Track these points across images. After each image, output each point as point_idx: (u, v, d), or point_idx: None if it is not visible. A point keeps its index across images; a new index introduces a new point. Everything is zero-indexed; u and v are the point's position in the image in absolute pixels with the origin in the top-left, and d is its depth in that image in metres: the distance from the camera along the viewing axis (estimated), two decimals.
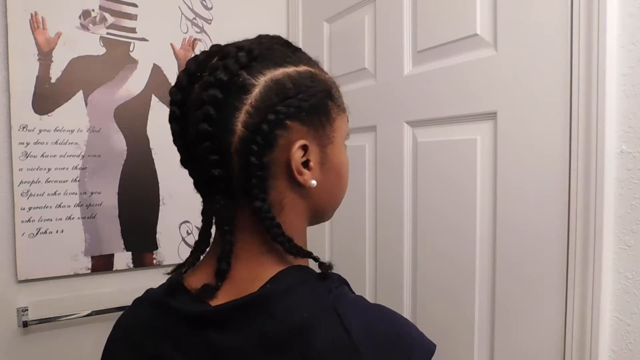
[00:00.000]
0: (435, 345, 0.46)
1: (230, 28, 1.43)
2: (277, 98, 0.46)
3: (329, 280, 0.49)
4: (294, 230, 0.50)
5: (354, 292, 0.51)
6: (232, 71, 0.45)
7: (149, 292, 0.54)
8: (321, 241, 1.41)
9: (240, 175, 0.46)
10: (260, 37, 0.51)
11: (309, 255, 0.51)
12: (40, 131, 1.13)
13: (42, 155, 1.14)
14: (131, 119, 1.26)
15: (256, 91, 0.45)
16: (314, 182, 0.49)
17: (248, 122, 0.45)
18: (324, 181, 0.52)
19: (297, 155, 0.47)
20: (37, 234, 1.13)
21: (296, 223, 0.52)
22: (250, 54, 0.47)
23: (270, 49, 0.49)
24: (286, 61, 0.48)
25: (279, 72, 0.47)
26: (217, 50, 0.50)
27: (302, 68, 0.50)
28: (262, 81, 0.46)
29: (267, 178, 0.47)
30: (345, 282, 0.51)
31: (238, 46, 0.47)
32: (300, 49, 0.54)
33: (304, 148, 0.48)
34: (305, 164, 0.49)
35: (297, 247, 0.49)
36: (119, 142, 1.24)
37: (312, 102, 0.48)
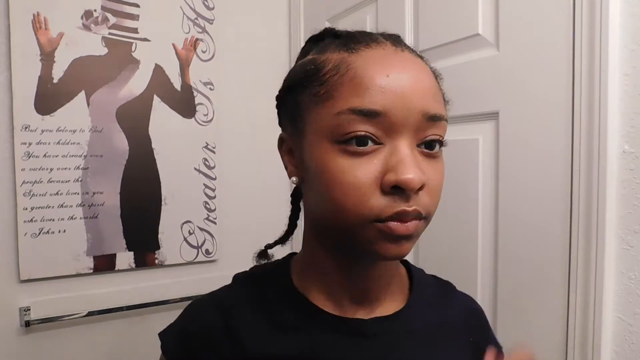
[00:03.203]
0: (163, 336, 0.56)
1: (232, 28, 1.43)
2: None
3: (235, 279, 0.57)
4: (311, 222, 0.51)
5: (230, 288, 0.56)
6: None
7: None
8: None
9: None
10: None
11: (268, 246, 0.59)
12: (42, 131, 1.13)
13: (45, 156, 1.14)
14: (133, 119, 1.26)
15: None
16: (293, 179, 0.48)
17: None
18: (308, 181, 0.46)
19: (280, 146, 0.50)
20: (39, 234, 1.14)
21: (311, 216, 0.51)
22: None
23: (305, 44, 0.52)
24: (301, 54, 0.51)
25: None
26: None
27: (304, 59, 0.48)
28: None
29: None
30: (232, 280, 0.57)
31: None
32: (337, 38, 0.47)
33: (283, 140, 0.50)
34: (293, 155, 0.49)
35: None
36: (121, 142, 1.24)
37: (282, 90, 0.49)
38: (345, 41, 0.44)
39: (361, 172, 0.40)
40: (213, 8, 1.38)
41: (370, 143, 0.40)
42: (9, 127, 1.11)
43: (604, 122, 0.71)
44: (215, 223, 1.40)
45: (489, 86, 0.90)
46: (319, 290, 0.49)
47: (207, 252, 1.38)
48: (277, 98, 0.50)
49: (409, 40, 1.10)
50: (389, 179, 0.39)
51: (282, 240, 0.57)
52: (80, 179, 1.19)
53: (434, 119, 0.41)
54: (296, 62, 0.51)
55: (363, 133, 0.39)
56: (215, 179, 1.39)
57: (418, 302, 0.52)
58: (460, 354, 0.52)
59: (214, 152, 1.39)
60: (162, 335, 0.56)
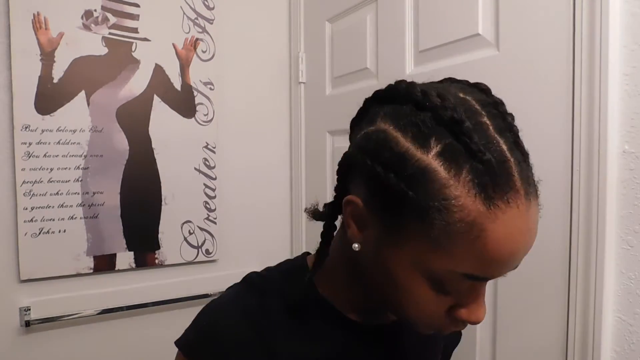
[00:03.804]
0: (185, 345, 0.51)
1: (232, 28, 1.43)
2: (367, 144, 0.43)
3: (242, 281, 0.56)
4: (355, 267, 0.49)
5: (238, 290, 0.54)
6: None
7: None
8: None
9: None
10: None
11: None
12: (42, 131, 1.13)
13: (45, 155, 1.14)
14: (133, 119, 1.26)
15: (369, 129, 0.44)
16: (355, 246, 0.44)
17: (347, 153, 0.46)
18: (372, 264, 0.45)
19: (346, 206, 0.44)
20: (39, 233, 1.14)
21: (340, 268, 0.51)
22: None
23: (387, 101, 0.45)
24: (375, 119, 0.44)
25: (380, 126, 0.42)
26: None
27: (420, 164, 0.39)
28: (373, 126, 0.44)
29: (340, 210, 0.47)
30: (244, 282, 0.55)
31: None
32: (467, 150, 0.38)
33: (354, 206, 0.44)
34: (363, 225, 0.44)
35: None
36: (121, 142, 1.24)
37: (381, 177, 0.40)
38: (481, 177, 0.37)
39: (438, 306, 0.42)
40: (213, 8, 1.38)
41: None
42: (9, 127, 1.11)
43: (604, 122, 0.71)
44: (215, 223, 1.40)
45: (489, 86, 0.90)
46: (344, 300, 0.52)
47: (207, 252, 1.38)
48: (359, 163, 0.43)
49: (408, 40, 1.10)
50: (461, 315, 0.42)
51: (318, 267, 0.52)
52: (80, 179, 1.19)
53: None
54: (368, 127, 0.43)
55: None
56: (215, 179, 1.39)
57: None
58: (441, 346, 0.62)
59: (214, 152, 1.39)
60: (182, 341, 0.52)
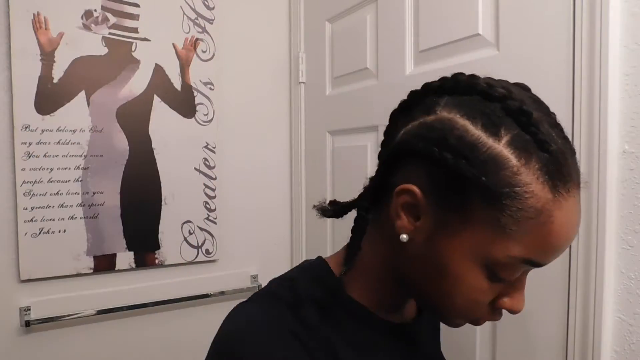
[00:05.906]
0: (229, 335, 0.45)
1: (232, 28, 1.43)
2: (429, 133, 0.43)
3: (262, 294, 0.51)
4: (393, 265, 0.48)
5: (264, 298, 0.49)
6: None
7: None
8: (323, 237, 1.42)
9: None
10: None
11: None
12: (42, 131, 1.13)
13: (45, 155, 1.14)
14: (133, 119, 1.26)
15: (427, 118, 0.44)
16: (404, 237, 0.43)
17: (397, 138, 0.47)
18: (420, 256, 0.44)
19: (399, 195, 0.44)
20: (39, 233, 1.14)
21: (373, 266, 0.49)
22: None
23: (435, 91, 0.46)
24: (426, 106, 0.45)
25: (444, 115, 0.43)
26: None
27: (490, 148, 0.40)
28: (433, 115, 0.44)
29: (380, 197, 0.47)
30: (270, 296, 0.50)
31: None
32: (526, 129, 0.40)
33: (410, 195, 0.43)
34: (415, 215, 0.44)
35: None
36: (121, 142, 1.24)
37: (449, 163, 0.40)
38: (548, 165, 0.39)
39: (487, 295, 0.43)
40: (213, 8, 1.38)
41: None
42: (9, 126, 1.11)
43: (604, 122, 0.71)
44: (215, 223, 1.39)
45: None
46: (372, 300, 0.51)
47: (207, 252, 1.38)
48: (420, 152, 0.42)
49: (408, 40, 1.10)
50: (505, 304, 0.44)
51: (351, 263, 0.50)
52: (80, 179, 1.19)
53: None
54: (426, 117, 0.44)
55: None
56: (215, 179, 1.39)
57: None
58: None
59: (214, 152, 1.39)
60: None
